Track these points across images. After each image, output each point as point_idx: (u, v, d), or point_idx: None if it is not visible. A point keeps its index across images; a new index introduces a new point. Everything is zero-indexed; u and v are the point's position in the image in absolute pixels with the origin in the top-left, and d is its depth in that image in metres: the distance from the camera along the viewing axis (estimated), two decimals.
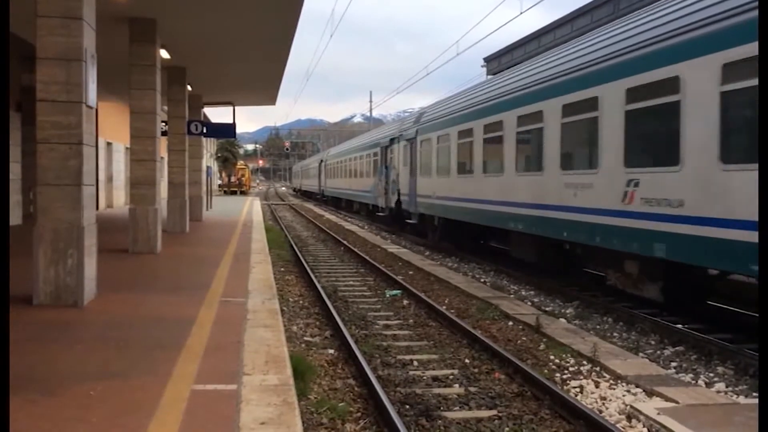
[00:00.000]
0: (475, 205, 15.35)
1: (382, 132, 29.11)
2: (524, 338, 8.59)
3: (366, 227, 27.79)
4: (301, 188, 74.43)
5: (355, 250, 18.12)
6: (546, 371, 7.16)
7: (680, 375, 7.19)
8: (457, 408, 6.06)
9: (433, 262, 16.06)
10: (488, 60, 41.99)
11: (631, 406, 5.84)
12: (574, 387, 6.67)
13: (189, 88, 18.58)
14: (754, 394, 6.49)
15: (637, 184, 9.12)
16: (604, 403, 6.18)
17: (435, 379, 6.94)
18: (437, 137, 18.38)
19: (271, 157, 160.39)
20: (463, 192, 16.18)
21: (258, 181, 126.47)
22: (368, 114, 73.60)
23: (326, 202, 48.60)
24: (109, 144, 27.59)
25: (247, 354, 5.49)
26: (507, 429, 5.59)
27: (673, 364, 7.73)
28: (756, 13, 6.81)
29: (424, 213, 19.81)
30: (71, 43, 7.28)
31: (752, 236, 6.89)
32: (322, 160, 50.18)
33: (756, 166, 6.35)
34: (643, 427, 5.50)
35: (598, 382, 6.75)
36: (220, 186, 62.20)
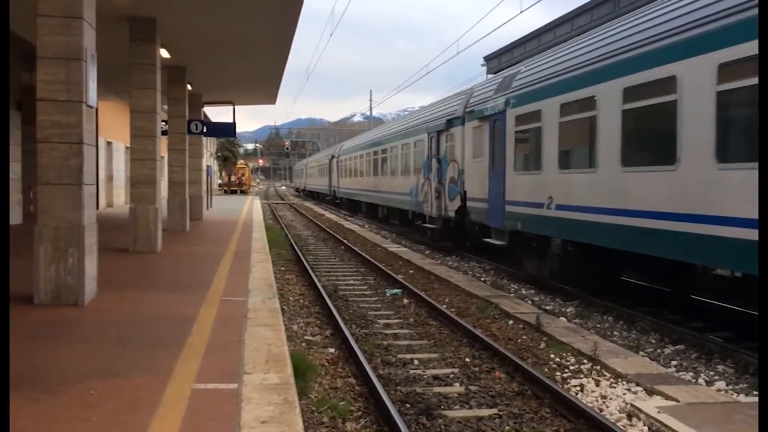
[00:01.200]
0: (692, 227, 7.99)
1: (431, 112, 20.82)
2: (524, 337, 8.60)
3: (366, 226, 27.74)
4: (306, 188, 67.43)
5: (356, 249, 18.12)
6: (546, 370, 7.16)
7: (680, 373, 7.19)
8: (458, 407, 6.06)
9: (433, 261, 16.06)
10: (488, 59, 42.02)
11: (632, 405, 5.84)
12: (575, 386, 6.67)
13: (189, 87, 18.58)
14: (755, 392, 6.50)
15: None
16: (604, 402, 6.19)
17: (435, 377, 6.94)
18: (560, 106, 11.13)
19: (271, 156, 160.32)
20: (640, 199, 8.95)
21: (258, 180, 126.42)
22: (368, 113, 73.59)
23: (338, 205, 41.33)
24: (109, 143, 27.60)
25: (248, 353, 5.49)
26: (507, 428, 5.59)
27: (674, 362, 7.73)
28: None
29: (524, 231, 12.61)
30: (71, 43, 7.29)
31: None
32: (333, 156, 43.14)
33: None
34: (644, 425, 5.50)
35: (599, 381, 6.76)
36: (220, 185, 62.16)
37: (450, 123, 17.41)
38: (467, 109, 16.11)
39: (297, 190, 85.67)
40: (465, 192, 16.01)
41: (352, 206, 36.49)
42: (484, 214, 14.66)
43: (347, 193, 37.02)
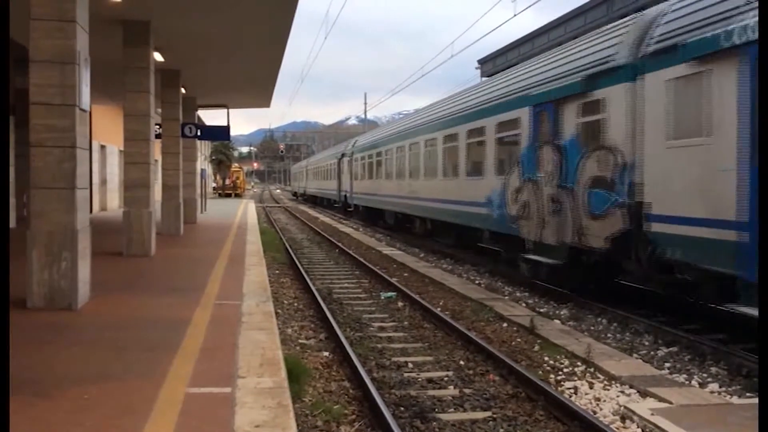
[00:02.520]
0: None
1: (532, 70, 12.76)
2: (519, 339, 8.62)
3: (361, 229, 27.65)
4: (306, 192, 60.92)
5: (350, 252, 18.12)
6: (540, 372, 7.18)
7: (674, 375, 7.22)
8: (452, 410, 6.07)
9: (428, 264, 16.07)
10: (482, 62, 42.16)
11: (625, 407, 5.86)
12: (569, 388, 6.69)
13: (183, 90, 18.56)
14: (748, 394, 6.53)
15: None
16: (598, 404, 6.21)
17: (430, 380, 6.95)
18: None
19: (266, 159, 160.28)
20: None
21: (252, 183, 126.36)
22: (363, 116, 73.58)
23: (350, 213, 34.34)
24: (103, 147, 27.53)
25: (242, 356, 5.48)
26: (501, 430, 5.60)
27: (667, 364, 7.75)
28: None
29: None
30: (65, 46, 7.28)
31: None
32: (343, 154, 35.95)
33: None
34: (637, 427, 5.52)
35: (593, 383, 6.78)
36: (214, 189, 62.07)
37: (592, 81, 10.06)
38: (652, 47, 8.80)
39: (295, 194, 77.10)
40: (638, 204, 9.09)
41: (371, 216, 28.86)
42: (720, 252, 7.61)
43: (365, 200, 29.14)
